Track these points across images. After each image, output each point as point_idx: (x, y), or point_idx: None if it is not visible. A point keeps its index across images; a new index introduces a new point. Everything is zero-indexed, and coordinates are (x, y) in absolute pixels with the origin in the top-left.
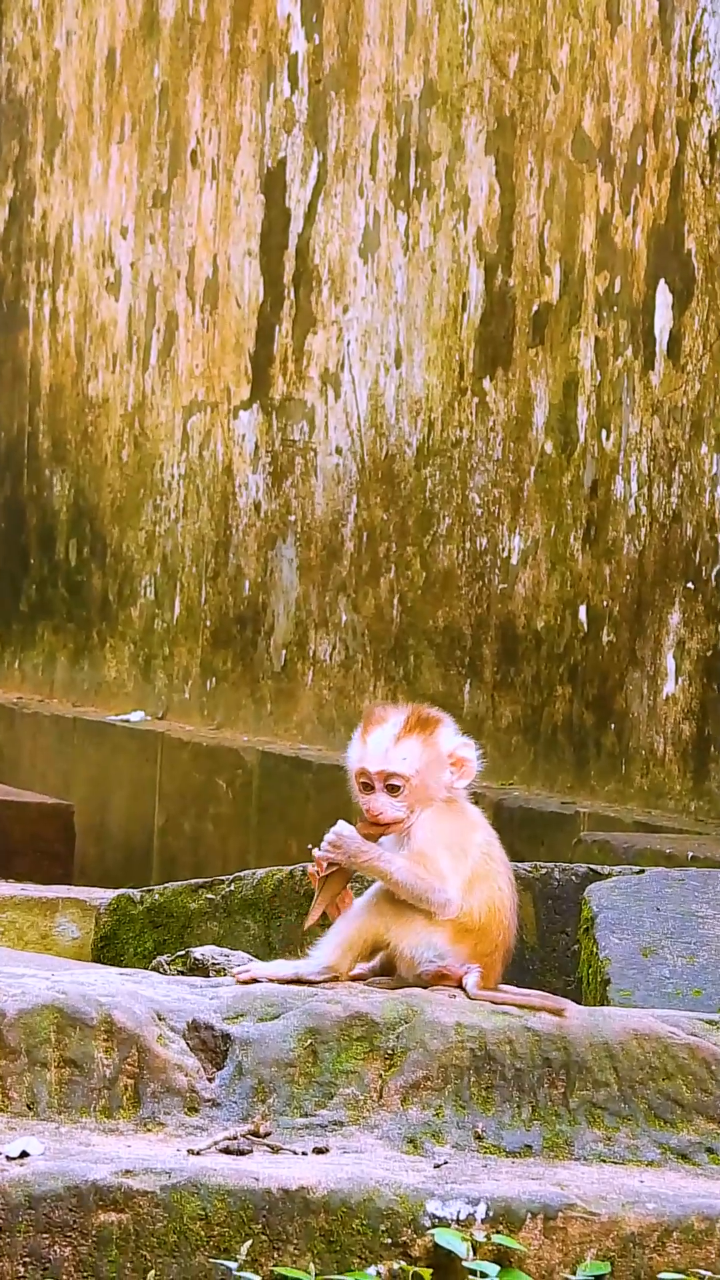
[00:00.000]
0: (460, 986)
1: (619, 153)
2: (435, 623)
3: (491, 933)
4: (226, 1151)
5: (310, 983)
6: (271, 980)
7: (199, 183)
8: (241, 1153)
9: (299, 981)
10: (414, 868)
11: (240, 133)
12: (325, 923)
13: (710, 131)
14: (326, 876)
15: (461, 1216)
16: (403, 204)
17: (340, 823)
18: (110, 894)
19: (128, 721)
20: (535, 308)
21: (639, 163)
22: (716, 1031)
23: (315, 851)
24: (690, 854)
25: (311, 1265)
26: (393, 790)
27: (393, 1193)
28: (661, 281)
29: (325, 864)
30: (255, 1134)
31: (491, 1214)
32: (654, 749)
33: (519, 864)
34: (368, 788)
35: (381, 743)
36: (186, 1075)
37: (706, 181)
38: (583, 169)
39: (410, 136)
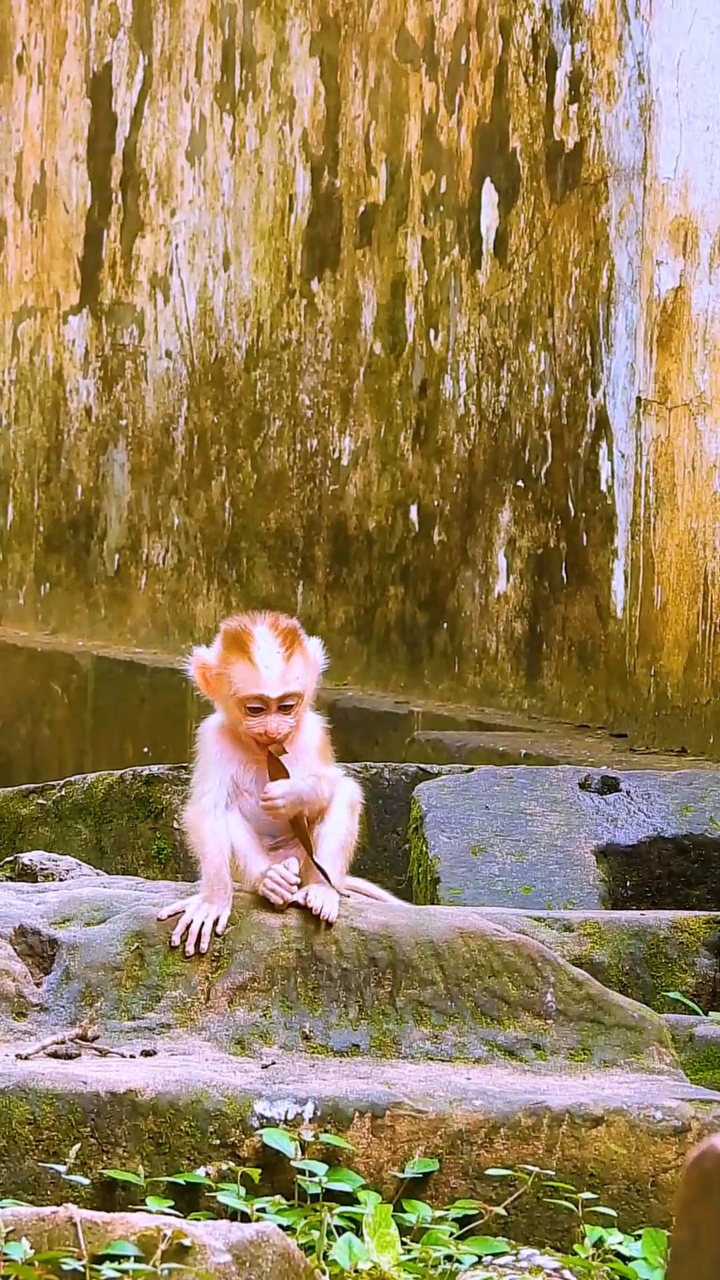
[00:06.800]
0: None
1: (443, 52)
2: (267, 525)
3: None
4: (54, 1056)
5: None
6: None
7: (25, 88)
8: (69, 1057)
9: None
10: (320, 780)
11: (66, 37)
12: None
13: (533, 29)
14: (297, 823)
15: (289, 1116)
16: (228, 106)
17: (273, 785)
18: None
19: None
20: (362, 208)
21: (463, 62)
22: (543, 928)
23: (283, 808)
24: (523, 751)
25: (140, 1167)
26: (286, 710)
27: (220, 1094)
28: (487, 180)
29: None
30: (83, 1038)
31: (319, 1113)
32: (486, 647)
33: (351, 764)
34: (259, 711)
35: (274, 665)
36: (13, 980)
37: (530, 80)
38: (407, 69)
39: (235, 39)
